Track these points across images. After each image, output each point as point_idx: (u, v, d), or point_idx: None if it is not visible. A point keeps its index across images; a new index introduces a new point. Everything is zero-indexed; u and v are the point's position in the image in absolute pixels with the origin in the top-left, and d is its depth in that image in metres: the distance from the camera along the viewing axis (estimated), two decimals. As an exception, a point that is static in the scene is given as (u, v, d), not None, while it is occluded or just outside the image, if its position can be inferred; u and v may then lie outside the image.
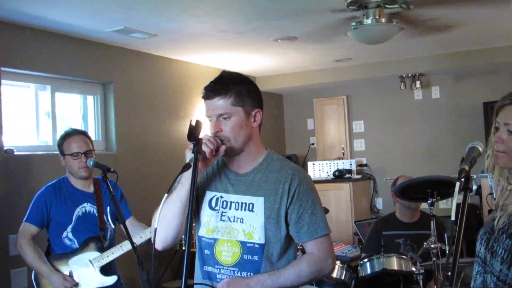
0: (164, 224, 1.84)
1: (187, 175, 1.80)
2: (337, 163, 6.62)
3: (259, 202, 1.89)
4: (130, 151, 5.04)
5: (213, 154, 1.82)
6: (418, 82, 6.51)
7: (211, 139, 1.83)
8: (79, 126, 4.79)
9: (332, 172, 6.54)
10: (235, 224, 1.90)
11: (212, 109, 1.88)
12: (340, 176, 6.42)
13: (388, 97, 6.85)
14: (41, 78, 4.43)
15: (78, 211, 3.15)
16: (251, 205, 1.89)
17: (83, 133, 3.21)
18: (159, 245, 1.90)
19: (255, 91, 1.95)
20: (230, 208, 1.91)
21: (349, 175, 6.47)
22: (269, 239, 1.88)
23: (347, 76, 6.51)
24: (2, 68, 4.04)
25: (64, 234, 3.13)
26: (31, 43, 4.22)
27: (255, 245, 1.87)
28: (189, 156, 1.79)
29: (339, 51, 5.61)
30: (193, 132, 1.77)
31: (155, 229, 1.76)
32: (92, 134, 4.87)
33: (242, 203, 1.90)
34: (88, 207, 3.17)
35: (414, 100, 6.73)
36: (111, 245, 3.21)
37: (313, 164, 6.76)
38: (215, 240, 1.92)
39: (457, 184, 1.43)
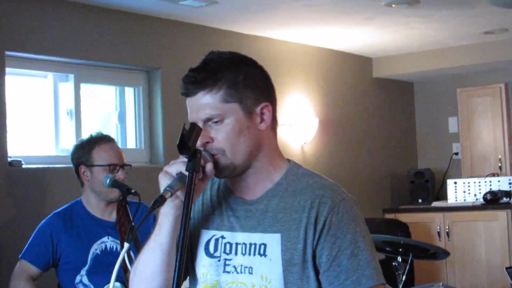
0: (142, 286, 1.86)
1: (167, 212, 1.80)
2: (491, 181, 6.52)
3: (273, 241, 1.85)
4: (183, 163, 5.10)
5: (199, 177, 1.79)
6: None
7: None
8: (114, 129, 4.89)
9: (482, 195, 6.43)
10: (242, 276, 1.87)
11: (196, 111, 1.85)
12: (494, 200, 6.31)
13: None
14: (62, 65, 4.51)
15: (96, 248, 3.23)
16: (262, 247, 1.86)
17: (115, 141, 3.34)
18: None
19: (259, 77, 1.91)
20: (236, 253, 1.89)
21: (508, 198, 6.34)
22: None
23: (503, 55, 6.46)
24: (7, 52, 4.08)
25: (78, 278, 3.19)
26: (47, 18, 4.28)
27: None
28: (164, 183, 1.77)
29: (486, 19, 5.54)
30: (186, 140, 1.72)
31: None
32: (131, 140, 4.96)
33: (250, 244, 1.88)
34: (109, 242, 3.25)
35: None
36: None
37: (455, 183, 6.67)
38: None
39: None
